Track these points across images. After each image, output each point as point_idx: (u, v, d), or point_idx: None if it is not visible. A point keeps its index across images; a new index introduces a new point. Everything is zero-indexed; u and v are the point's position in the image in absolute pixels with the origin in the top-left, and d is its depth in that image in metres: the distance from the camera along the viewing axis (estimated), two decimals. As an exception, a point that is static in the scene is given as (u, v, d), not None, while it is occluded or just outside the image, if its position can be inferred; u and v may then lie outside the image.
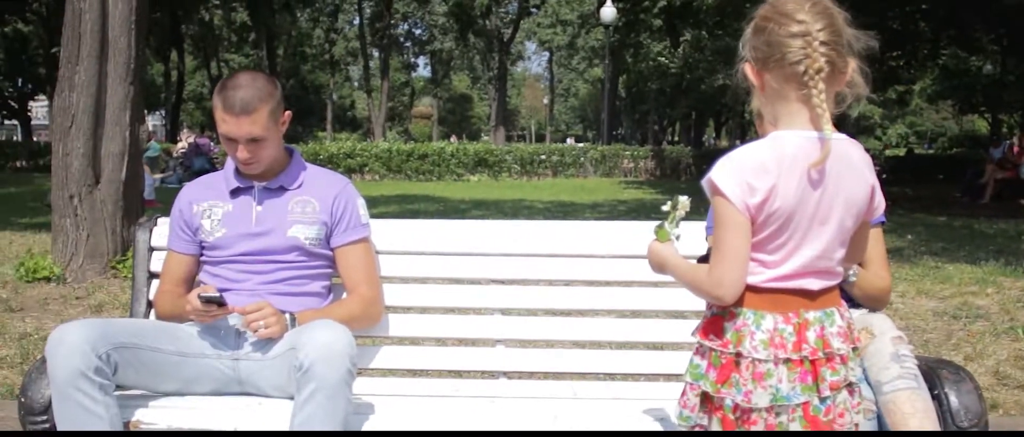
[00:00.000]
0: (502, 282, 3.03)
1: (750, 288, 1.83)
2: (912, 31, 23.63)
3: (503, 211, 13.80)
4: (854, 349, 1.88)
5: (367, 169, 25.40)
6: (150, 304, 3.01)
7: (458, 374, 3.24)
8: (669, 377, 2.99)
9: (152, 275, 3.05)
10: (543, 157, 27.93)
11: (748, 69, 1.87)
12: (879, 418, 2.26)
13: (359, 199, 2.91)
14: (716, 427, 1.87)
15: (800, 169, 1.78)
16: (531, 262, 3.01)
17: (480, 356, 3.03)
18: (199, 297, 2.53)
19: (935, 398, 2.30)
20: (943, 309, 5.80)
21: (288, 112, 2.83)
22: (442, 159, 26.07)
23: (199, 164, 19.02)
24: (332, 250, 2.83)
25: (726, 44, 18.76)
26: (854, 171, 1.84)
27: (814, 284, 1.83)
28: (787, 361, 1.80)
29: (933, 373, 2.40)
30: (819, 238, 1.82)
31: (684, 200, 2.10)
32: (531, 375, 3.07)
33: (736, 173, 1.79)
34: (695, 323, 2.94)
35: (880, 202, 1.91)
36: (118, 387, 2.43)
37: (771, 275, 1.83)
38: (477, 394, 2.91)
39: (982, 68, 34.17)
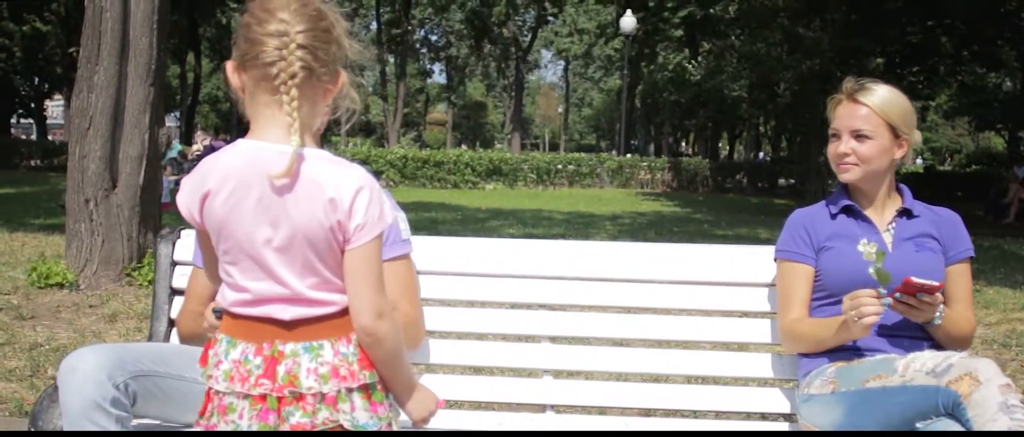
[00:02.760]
0: (551, 307, 2.80)
1: (227, 312, 1.69)
2: (933, 47, 23.42)
3: (522, 221, 13.59)
4: (366, 389, 1.67)
5: (382, 175, 25.24)
6: (172, 323, 2.79)
7: (501, 407, 3.01)
8: (741, 414, 2.76)
9: (174, 292, 2.83)
10: (559, 167, 27.71)
11: (229, 67, 1.70)
12: None
13: (400, 213, 2.69)
14: None
15: (235, 182, 1.61)
16: (584, 286, 2.79)
17: (526, 388, 2.80)
18: (214, 310, 2.31)
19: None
20: (991, 337, 5.55)
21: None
22: (458, 167, 25.90)
23: (213, 167, 18.84)
24: None
25: (753, 50, 18.50)
26: (312, 201, 1.62)
27: (284, 312, 1.65)
28: (247, 396, 1.62)
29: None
30: (275, 263, 1.63)
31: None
32: (582, 410, 2.84)
33: (186, 183, 1.69)
34: (767, 357, 2.75)
35: (361, 240, 1.67)
36: (136, 419, 2.22)
37: (238, 298, 1.66)
38: (522, 428, 2.69)
39: (1001, 85, 33.89)
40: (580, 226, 13.03)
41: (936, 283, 2.29)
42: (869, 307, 2.26)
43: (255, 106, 1.67)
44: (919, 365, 2.16)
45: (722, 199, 23.74)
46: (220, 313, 2.28)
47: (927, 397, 2.11)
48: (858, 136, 2.50)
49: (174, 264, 2.86)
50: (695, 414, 2.94)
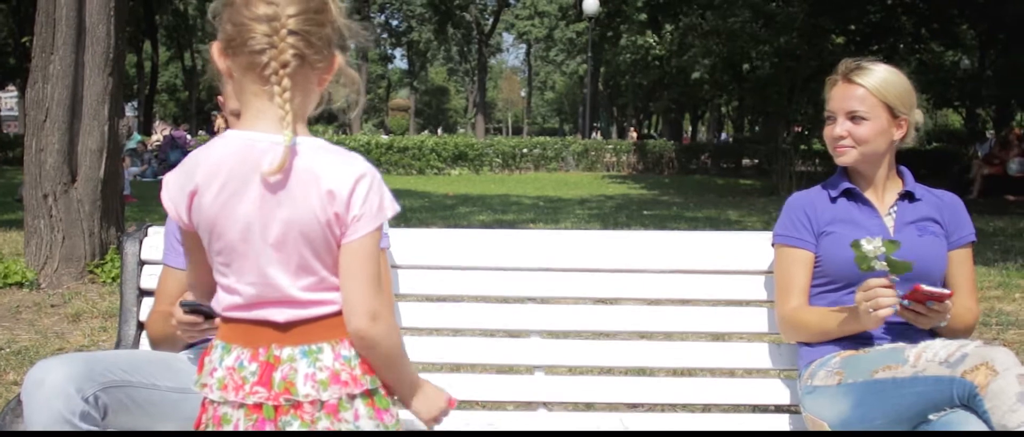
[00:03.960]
0: (541, 301, 2.69)
1: (222, 317, 1.60)
2: (893, 25, 23.55)
3: (491, 207, 13.47)
4: (369, 394, 1.56)
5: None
6: (141, 327, 2.65)
7: (490, 406, 2.89)
8: (734, 407, 2.67)
9: (143, 293, 2.69)
10: (525, 151, 27.59)
11: (215, 50, 1.56)
12: None
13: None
14: None
15: (224, 176, 1.50)
16: (570, 277, 2.68)
17: (516, 385, 2.68)
18: (181, 304, 2.18)
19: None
20: (970, 315, 5.52)
21: None
22: (422, 153, 25.69)
23: (175, 157, 18.50)
24: None
25: (726, 24, 18.43)
26: (308, 195, 1.51)
27: (280, 315, 1.54)
28: (242, 406, 1.52)
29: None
30: (269, 262, 1.53)
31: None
32: (575, 406, 2.74)
33: (170, 179, 1.58)
34: (764, 347, 2.66)
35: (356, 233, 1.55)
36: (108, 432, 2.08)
37: (231, 301, 1.57)
38: (512, 427, 2.58)
39: (958, 63, 34.23)
40: (549, 211, 12.93)
41: (946, 292, 2.20)
42: (885, 298, 2.17)
43: (243, 95, 1.55)
44: (931, 355, 2.08)
45: (688, 180, 23.76)
46: (189, 308, 2.15)
47: (941, 388, 2.03)
48: (854, 117, 2.41)
49: (142, 263, 2.71)
50: (706, 408, 2.85)
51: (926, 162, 29.52)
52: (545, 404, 2.60)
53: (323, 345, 1.53)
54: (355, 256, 1.53)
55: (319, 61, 1.54)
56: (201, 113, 49.19)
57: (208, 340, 2.31)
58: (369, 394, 1.56)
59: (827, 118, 2.48)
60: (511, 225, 10.62)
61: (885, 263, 2.15)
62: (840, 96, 2.44)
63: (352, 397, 1.53)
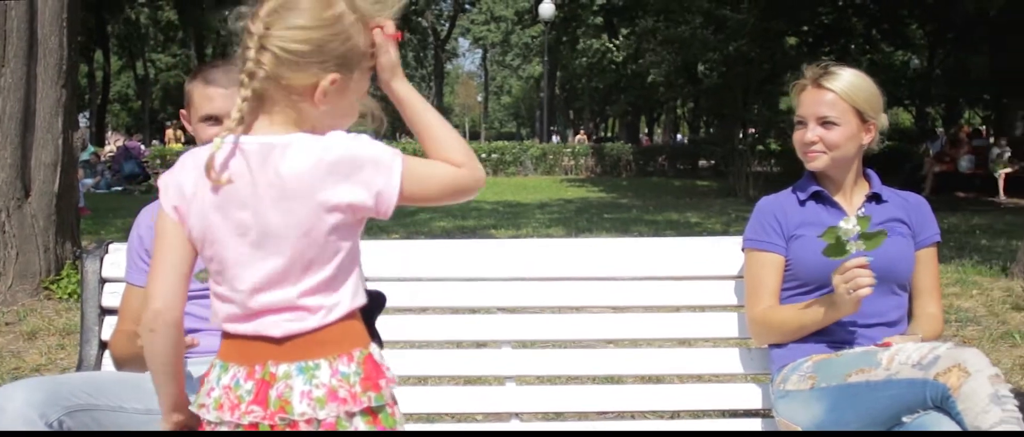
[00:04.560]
0: (512, 310, 2.67)
1: (222, 332, 1.54)
2: (845, 26, 23.89)
3: (450, 213, 13.42)
4: (371, 412, 1.48)
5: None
6: (103, 346, 2.58)
7: (461, 417, 2.87)
8: (705, 413, 2.67)
9: (104, 311, 2.63)
10: (483, 156, 27.59)
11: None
12: None
13: None
14: None
15: (203, 180, 1.49)
16: (543, 286, 2.66)
17: (487, 396, 2.67)
18: None
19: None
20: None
21: None
22: (381, 159, 25.58)
23: (130, 168, 18.29)
24: None
25: (677, 32, 18.58)
26: (287, 187, 1.46)
27: (275, 328, 1.48)
28: (238, 426, 1.47)
29: (1020, 411, 2.13)
30: (258, 267, 1.48)
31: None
32: (545, 416, 2.72)
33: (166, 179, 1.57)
34: (735, 353, 2.67)
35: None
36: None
37: (228, 311, 1.52)
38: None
39: (908, 62, 34.80)
40: (510, 216, 12.92)
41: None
42: (864, 278, 2.18)
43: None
44: (904, 357, 2.09)
45: (646, 183, 23.88)
46: None
47: (914, 391, 2.04)
48: (825, 123, 2.42)
49: (103, 281, 2.65)
50: (674, 415, 2.85)
51: (878, 160, 29.86)
52: (517, 415, 2.59)
53: (321, 361, 1.47)
54: (412, 171, 1.51)
55: (279, 72, 1.49)
56: (154, 123, 48.58)
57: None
58: (371, 412, 1.49)
59: (797, 123, 2.49)
60: (473, 231, 10.59)
61: (860, 241, 2.16)
62: (811, 101, 2.44)
63: (351, 415, 1.47)
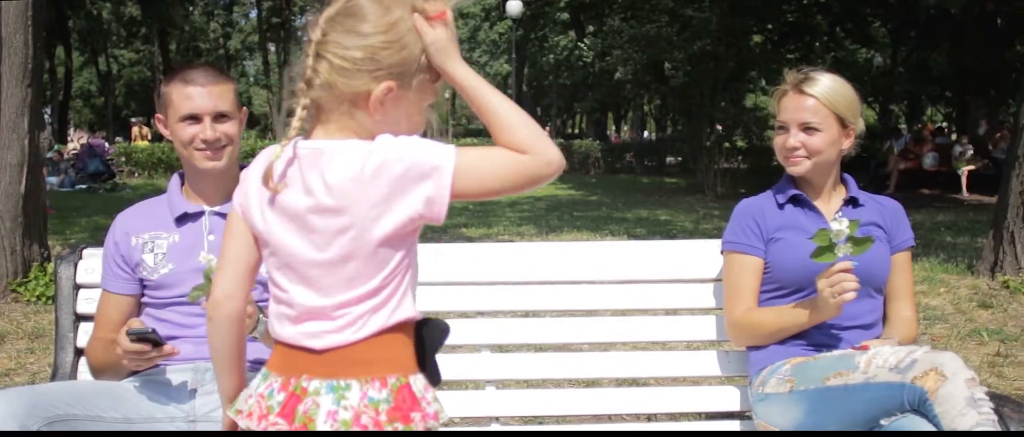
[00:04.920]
0: (490, 315, 2.67)
1: (275, 340, 1.53)
2: (809, 25, 24.11)
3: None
4: None
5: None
6: (79, 353, 2.55)
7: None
8: (684, 415, 2.69)
9: (79, 318, 2.59)
10: (451, 153, 27.54)
11: None
12: None
13: None
14: None
15: (255, 185, 1.51)
16: (522, 291, 2.67)
17: (467, 400, 2.67)
18: (128, 333, 2.10)
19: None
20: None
21: (245, 109, 2.45)
22: (348, 156, 25.44)
23: (94, 166, 18.03)
24: None
25: (643, 31, 18.65)
26: (332, 195, 1.42)
27: (315, 340, 1.45)
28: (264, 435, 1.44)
29: (995, 413, 2.16)
30: (303, 272, 1.46)
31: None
32: (526, 419, 2.73)
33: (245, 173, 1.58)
34: (713, 355, 2.69)
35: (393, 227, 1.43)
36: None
37: (278, 312, 1.51)
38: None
39: (872, 60, 35.16)
40: (480, 214, 12.92)
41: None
42: (849, 283, 2.21)
43: None
44: (881, 361, 2.12)
45: (614, 180, 23.95)
46: (136, 336, 2.08)
47: (892, 394, 2.07)
48: (807, 128, 2.44)
49: (77, 287, 2.61)
50: (651, 417, 2.87)
51: (843, 158, 30.35)
52: (497, 418, 2.59)
53: (352, 382, 1.41)
54: (471, 164, 1.42)
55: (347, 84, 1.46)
56: (118, 119, 48.03)
57: (157, 366, 2.25)
58: None
59: (779, 128, 2.50)
60: (443, 229, 10.57)
61: (849, 244, 2.18)
62: (793, 107, 2.46)
63: None
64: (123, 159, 22.04)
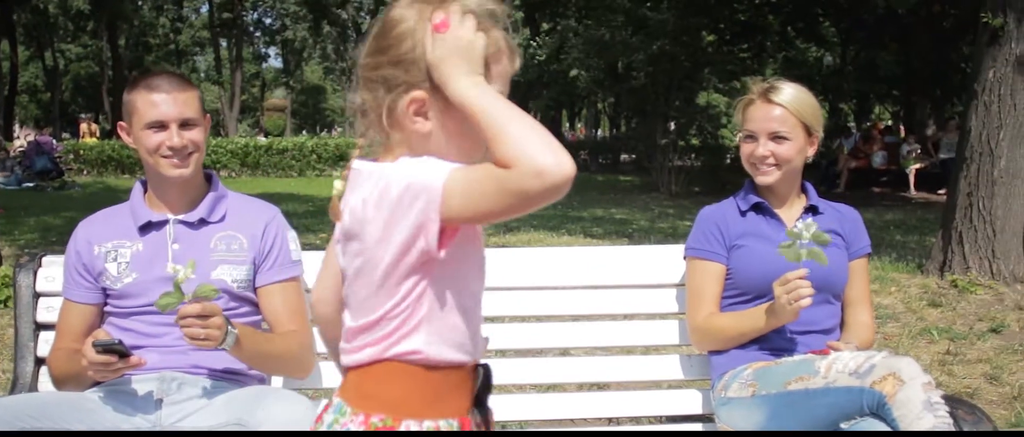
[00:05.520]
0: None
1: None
2: (761, 24, 24.40)
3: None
4: None
5: (221, 166, 24.26)
6: (39, 363, 2.52)
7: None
8: (648, 419, 2.72)
9: (40, 327, 2.56)
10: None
11: None
12: None
13: (290, 232, 2.51)
14: None
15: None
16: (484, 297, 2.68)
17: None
18: (94, 344, 2.08)
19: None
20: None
21: (209, 116, 2.44)
22: (302, 154, 25.24)
23: (42, 164, 17.68)
24: (255, 289, 2.43)
25: (598, 34, 18.75)
26: (352, 220, 1.38)
27: (341, 358, 1.46)
28: None
29: (951, 416, 2.22)
30: (345, 295, 1.46)
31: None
32: (503, 424, 2.75)
33: None
34: (676, 359, 2.73)
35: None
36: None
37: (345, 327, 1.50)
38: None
39: (822, 59, 35.66)
40: (437, 213, 12.86)
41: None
42: (805, 289, 2.25)
43: None
44: (841, 366, 2.17)
45: (569, 178, 24.01)
46: (102, 347, 2.06)
47: (851, 398, 2.12)
48: (776, 137, 2.48)
49: (37, 296, 2.58)
50: (614, 421, 2.90)
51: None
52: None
53: (347, 408, 1.40)
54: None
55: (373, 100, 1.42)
56: (65, 115, 47.18)
57: (122, 377, 2.23)
58: None
59: (747, 138, 2.53)
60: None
61: (815, 247, 2.22)
62: (762, 117, 2.49)
63: None
64: (71, 156, 21.66)
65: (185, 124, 2.30)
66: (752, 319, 2.44)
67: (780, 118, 2.47)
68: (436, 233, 1.29)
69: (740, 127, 2.57)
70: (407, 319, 1.36)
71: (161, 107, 2.27)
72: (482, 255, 1.47)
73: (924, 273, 6.86)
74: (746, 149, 2.53)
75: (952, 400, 2.30)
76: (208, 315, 2.05)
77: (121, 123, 2.39)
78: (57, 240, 8.39)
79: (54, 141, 19.61)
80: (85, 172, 22.38)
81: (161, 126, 2.28)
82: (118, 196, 15.60)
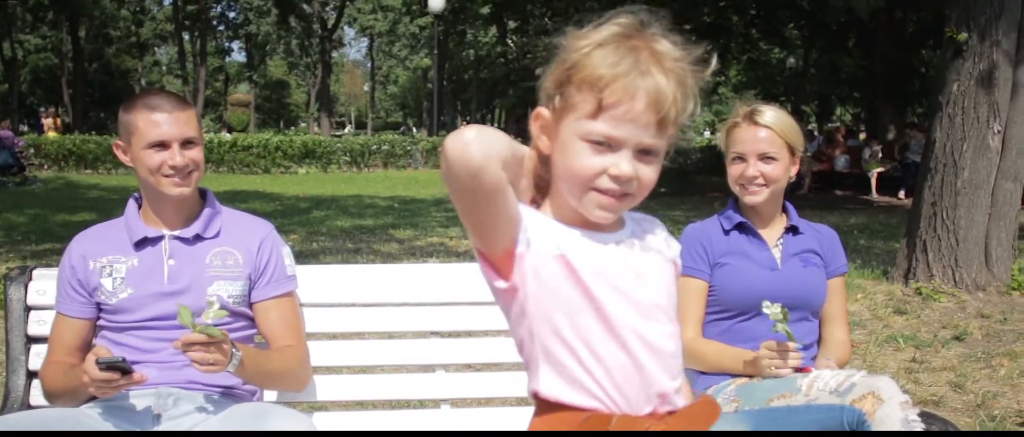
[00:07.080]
0: (443, 335, 2.73)
1: None
2: (725, 26, 24.63)
3: (346, 210, 13.33)
4: None
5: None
6: (30, 376, 2.53)
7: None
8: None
9: (31, 340, 2.57)
10: (373, 148, 27.39)
11: None
12: None
13: (284, 247, 2.56)
14: None
15: None
16: (478, 311, 2.74)
17: (425, 418, 2.73)
18: (97, 363, 2.10)
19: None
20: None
21: (202, 132, 2.48)
22: (267, 150, 25.11)
23: (2, 159, 17.41)
24: (251, 305, 2.46)
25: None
26: None
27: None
28: None
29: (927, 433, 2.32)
30: None
31: None
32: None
33: None
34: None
35: None
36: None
37: None
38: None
39: (785, 60, 36.08)
40: (407, 214, 12.90)
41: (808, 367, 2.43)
42: (792, 361, 2.37)
43: None
44: (822, 384, 2.26)
45: (535, 177, 24.08)
46: (105, 365, 2.08)
47: (832, 415, 2.21)
48: (764, 158, 2.55)
49: (28, 309, 2.58)
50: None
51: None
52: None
53: None
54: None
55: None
56: (24, 108, 46.44)
57: (121, 392, 2.25)
58: None
59: (735, 159, 2.60)
60: (371, 230, 10.55)
61: (780, 327, 2.33)
62: (749, 138, 2.57)
63: None
64: (32, 151, 21.37)
65: (186, 143, 2.33)
66: (732, 360, 2.53)
67: (767, 139, 2.55)
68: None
69: (725, 150, 2.64)
70: (528, 357, 1.49)
71: (163, 127, 2.30)
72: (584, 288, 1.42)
73: (889, 280, 7.00)
74: (735, 170, 2.60)
75: (928, 417, 2.40)
76: (212, 341, 2.08)
77: (118, 142, 2.41)
78: (22, 239, 8.29)
79: (15, 136, 19.29)
80: (45, 167, 22.10)
81: (163, 146, 2.31)
82: (82, 192, 15.45)
